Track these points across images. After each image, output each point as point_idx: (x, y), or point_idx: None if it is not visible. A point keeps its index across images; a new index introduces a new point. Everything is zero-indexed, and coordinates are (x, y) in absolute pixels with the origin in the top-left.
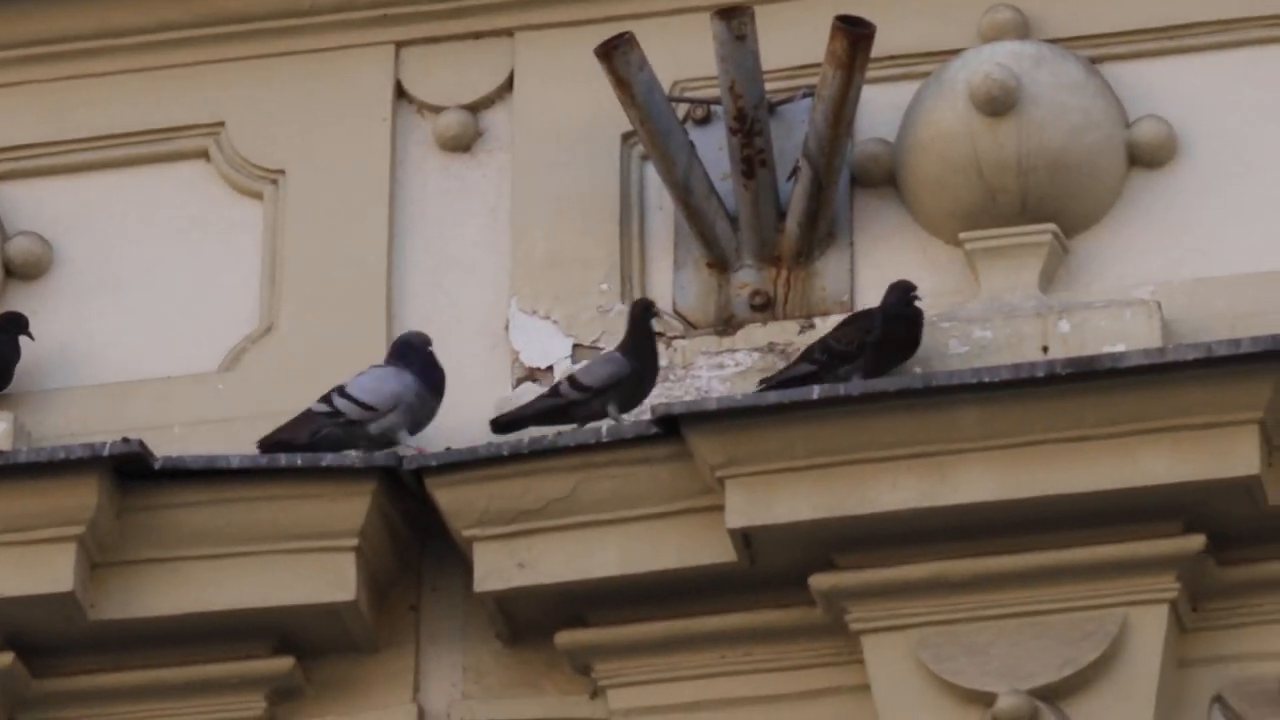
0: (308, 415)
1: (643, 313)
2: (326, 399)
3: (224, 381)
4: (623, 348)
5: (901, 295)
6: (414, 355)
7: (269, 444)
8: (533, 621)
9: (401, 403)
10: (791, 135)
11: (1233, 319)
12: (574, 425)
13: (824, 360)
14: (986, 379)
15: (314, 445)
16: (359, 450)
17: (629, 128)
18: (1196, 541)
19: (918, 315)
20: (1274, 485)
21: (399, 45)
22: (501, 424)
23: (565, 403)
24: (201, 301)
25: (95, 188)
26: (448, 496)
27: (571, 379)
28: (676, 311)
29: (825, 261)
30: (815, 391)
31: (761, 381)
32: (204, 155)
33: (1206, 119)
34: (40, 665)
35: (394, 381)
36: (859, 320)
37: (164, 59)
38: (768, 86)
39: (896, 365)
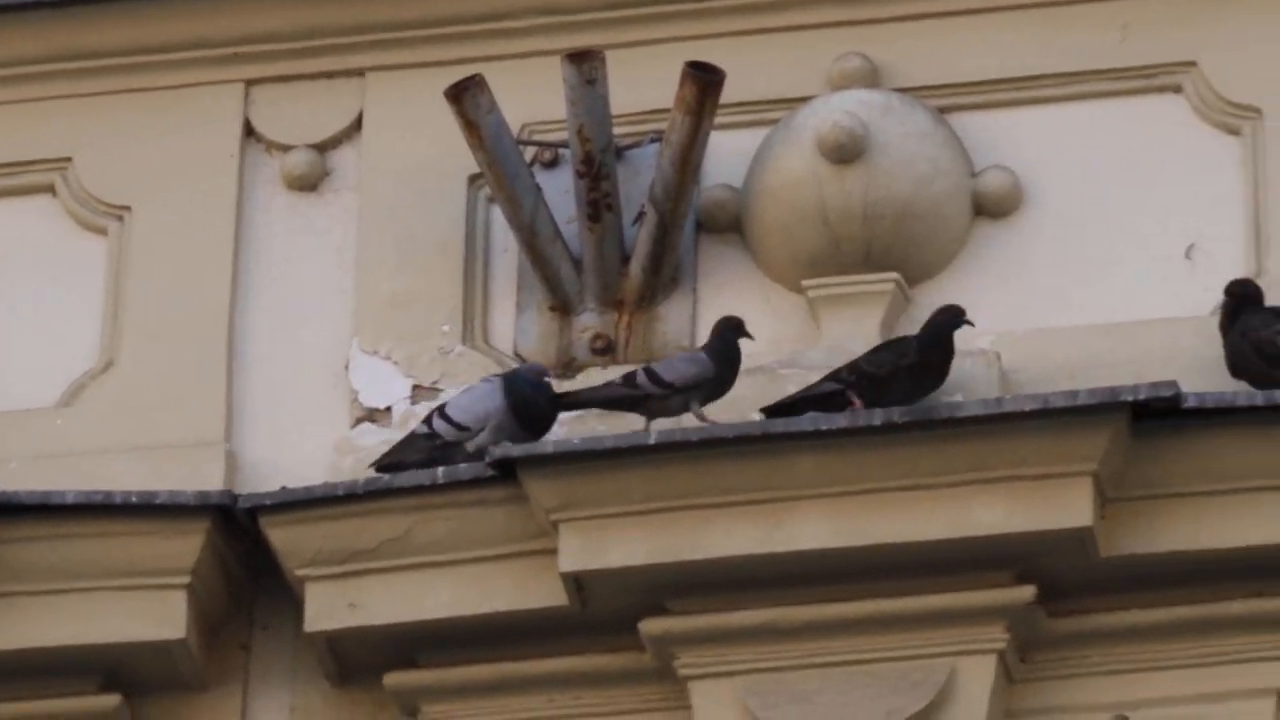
0: (411, 437)
1: (733, 332)
2: (427, 420)
3: (62, 417)
4: (707, 349)
5: (951, 319)
6: (520, 383)
7: (383, 467)
8: (363, 662)
9: (490, 422)
10: (638, 180)
11: (1072, 371)
12: (643, 419)
13: (851, 381)
14: (824, 426)
15: (428, 464)
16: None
17: (476, 170)
18: (1027, 592)
19: (951, 345)
20: (1106, 537)
21: (249, 83)
22: (563, 404)
23: (640, 395)
24: (43, 336)
25: None
26: (281, 535)
27: (650, 373)
28: (518, 354)
29: (668, 307)
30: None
31: (774, 404)
32: (50, 190)
33: (1052, 170)
34: None
35: (487, 401)
36: (895, 345)
37: (13, 93)
38: (616, 131)
39: (927, 394)
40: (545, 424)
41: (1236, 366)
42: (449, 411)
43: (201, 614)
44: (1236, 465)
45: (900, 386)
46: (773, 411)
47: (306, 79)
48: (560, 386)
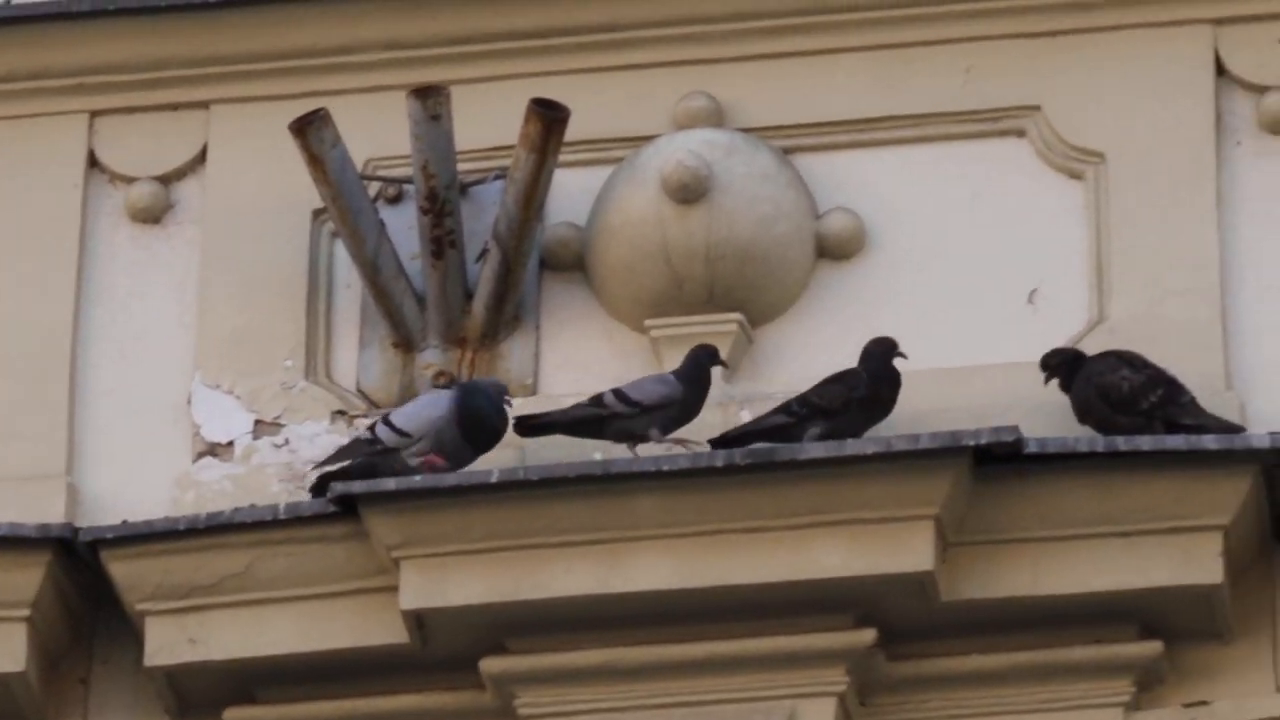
0: (355, 442)
1: (708, 359)
2: (371, 426)
3: None
4: (677, 372)
5: (887, 351)
6: (473, 397)
7: (324, 473)
8: (203, 697)
9: (432, 430)
10: (482, 217)
11: (914, 415)
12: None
13: (801, 414)
14: (665, 467)
15: (368, 471)
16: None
17: (320, 204)
18: (867, 636)
19: (898, 376)
20: (947, 581)
21: (93, 114)
22: (529, 426)
23: (606, 414)
24: None
25: None
26: (122, 569)
27: (618, 393)
28: (360, 390)
29: (510, 344)
30: (494, 475)
31: (721, 436)
32: None
33: (895, 213)
34: None
35: (432, 409)
36: (845, 378)
37: None
38: (461, 167)
39: (873, 425)
40: (491, 441)
41: (1083, 413)
42: (393, 418)
43: (41, 647)
44: (1077, 511)
45: (851, 419)
46: (719, 443)
47: (151, 110)
48: None
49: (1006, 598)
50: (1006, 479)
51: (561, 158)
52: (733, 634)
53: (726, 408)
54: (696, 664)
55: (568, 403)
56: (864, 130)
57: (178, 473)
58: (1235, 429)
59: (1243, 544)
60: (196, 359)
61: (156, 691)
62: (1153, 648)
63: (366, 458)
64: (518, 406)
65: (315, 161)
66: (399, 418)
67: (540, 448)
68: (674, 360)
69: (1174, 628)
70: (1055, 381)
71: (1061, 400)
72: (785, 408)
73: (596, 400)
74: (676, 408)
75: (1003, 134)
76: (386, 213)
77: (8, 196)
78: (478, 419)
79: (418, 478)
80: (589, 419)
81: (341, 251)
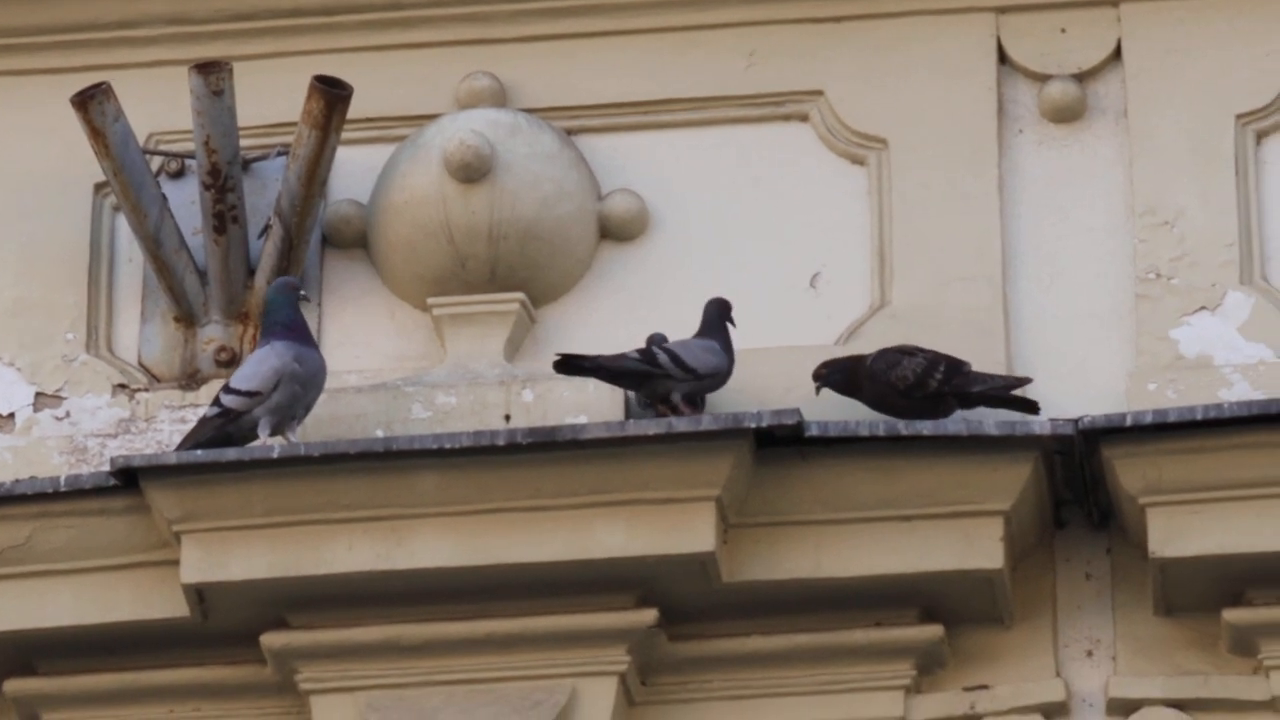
0: (202, 421)
1: (723, 312)
2: (215, 401)
3: None
4: (716, 338)
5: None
6: (281, 313)
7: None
8: None
9: (284, 376)
10: (265, 192)
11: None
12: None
13: (674, 372)
14: (447, 445)
15: (224, 442)
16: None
17: (102, 178)
18: (648, 616)
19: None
20: (728, 563)
21: None
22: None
23: (658, 373)
24: None
25: None
26: None
27: (672, 355)
28: (141, 364)
29: None
30: (275, 450)
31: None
32: None
33: (678, 195)
34: None
35: (270, 358)
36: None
37: None
38: (243, 143)
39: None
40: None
41: (878, 407)
42: (234, 383)
43: None
44: (859, 494)
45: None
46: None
47: None
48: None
49: (788, 579)
50: (788, 461)
51: (344, 135)
52: (514, 612)
53: (509, 386)
54: (478, 641)
55: (350, 380)
56: (647, 112)
57: None
58: (1022, 381)
59: (1023, 529)
60: None
61: None
62: (933, 631)
63: (219, 430)
64: (553, 376)
65: (97, 135)
66: (240, 381)
67: (321, 422)
68: (456, 339)
69: (955, 612)
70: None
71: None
72: (649, 357)
73: (649, 357)
74: (720, 378)
75: (786, 118)
76: (169, 187)
77: None
78: (302, 328)
79: (199, 451)
80: (636, 373)
81: (123, 225)
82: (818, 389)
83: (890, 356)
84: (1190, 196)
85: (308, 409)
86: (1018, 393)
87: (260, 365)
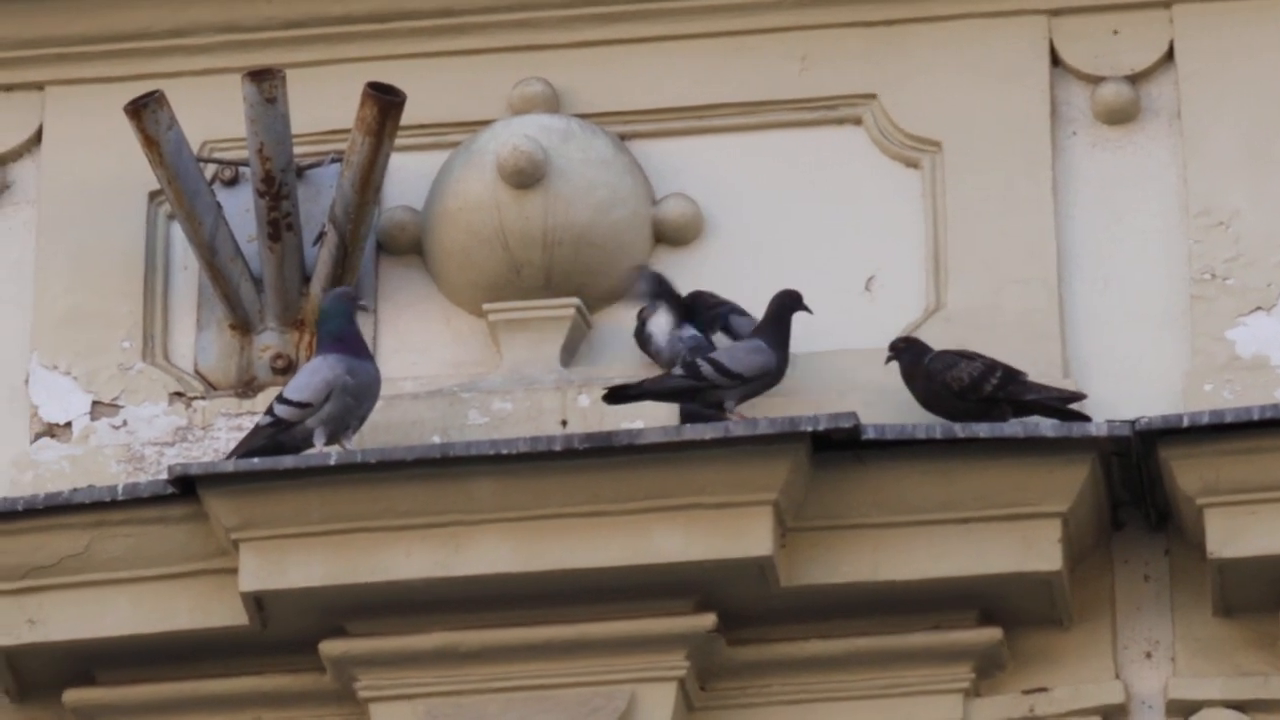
0: (255, 429)
1: (792, 304)
2: (268, 410)
3: None
4: (764, 335)
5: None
6: (334, 324)
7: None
8: (42, 679)
9: (335, 388)
10: (319, 200)
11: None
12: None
13: (718, 381)
14: (504, 450)
15: (276, 450)
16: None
17: (156, 186)
18: (707, 620)
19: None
20: (786, 567)
21: None
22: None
23: (705, 385)
24: None
25: None
26: None
27: (715, 363)
28: (198, 372)
29: None
30: (332, 457)
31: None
32: None
33: (732, 199)
34: None
35: (323, 370)
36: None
37: None
38: (297, 150)
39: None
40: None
41: (930, 406)
42: (287, 393)
43: None
44: (915, 497)
45: (762, 386)
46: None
47: None
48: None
49: (846, 583)
50: (845, 465)
51: (398, 141)
52: (572, 618)
53: (565, 392)
54: (536, 648)
55: (407, 387)
56: (701, 117)
57: (15, 453)
58: (1077, 396)
59: (1081, 531)
60: (33, 340)
61: None
62: (992, 634)
63: (271, 439)
64: (609, 380)
65: (151, 143)
66: (292, 391)
67: (378, 429)
68: (512, 345)
69: (1013, 614)
70: (895, 365)
71: (899, 386)
72: (693, 370)
73: (693, 370)
74: (771, 376)
75: (839, 122)
76: (223, 195)
77: None
78: (356, 339)
79: (256, 460)
80: (684, 389)
81: (178, 233)
82: (888, 359)
83: (948, 358)
84: (1244, 197)
85: (362, 419)
86: (1072, 406)
87: (313, 377)
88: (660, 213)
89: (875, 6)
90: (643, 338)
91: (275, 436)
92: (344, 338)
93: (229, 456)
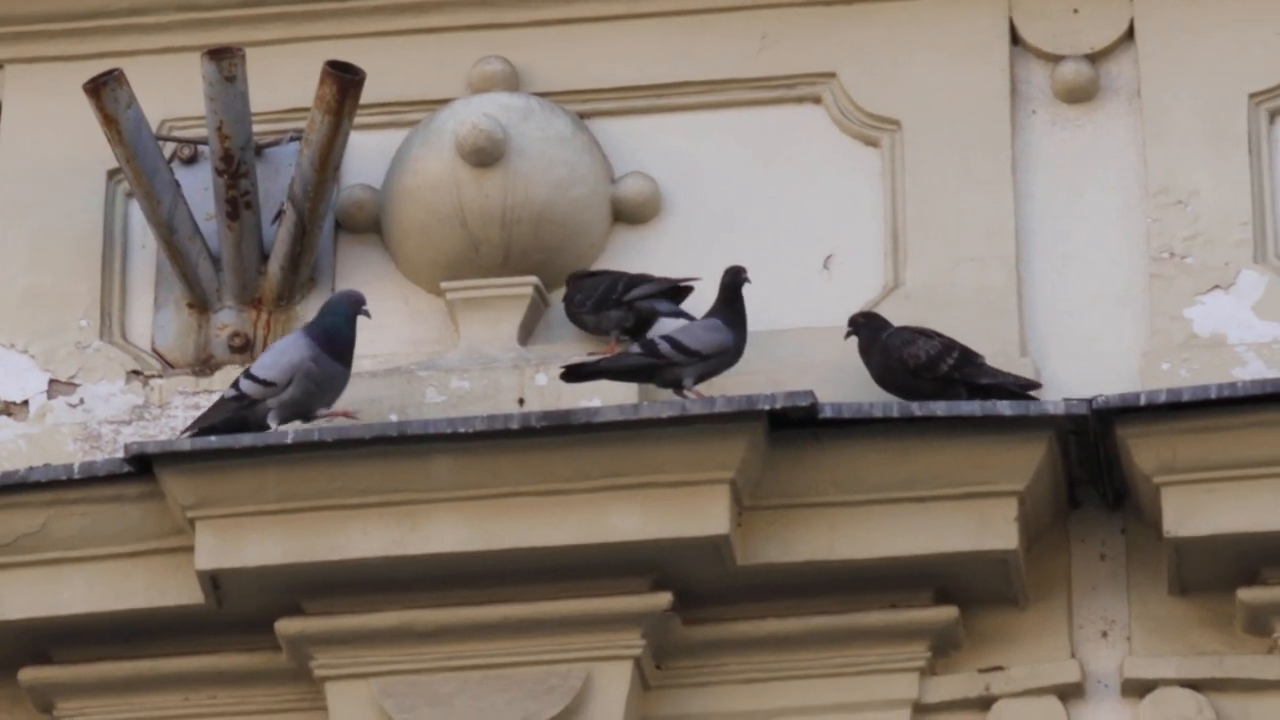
0: (220, 401)
1: (735, 278)
2: (235, 383)
3: None
4: (721, 316)
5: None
6: (326, 319)
7: (197, 432)
8: None
9: (298, 372)
10: (278, 178)
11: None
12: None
13: (675, 359)
14: (461, 429)
15: (238, 425)
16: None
17: (115, 165)
18: (663, 599)
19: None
20: (743, 545)
21: None
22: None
23: (663, 363)
24: None
25: None
26: None
27: (673, 341)
28: (155, 350)
29: (306, 305)
30: (289, 435)
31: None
32: None
33: (691, 178)
34: None
35: (291, 352)
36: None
37: None
38: (256, 129)
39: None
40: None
41: (883, 382)
42: (254, 370)
43: None
44: (872, 476)
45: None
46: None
47: None
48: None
49: (802, 562)
50: (802, 443)
51: (357, 120)
52: (529, 597)
53: (523, 370)
54: (492, 626)
55: (364, 365)
56: (660, 95)
57: None
58: (1032, 384)
59: (1037, 510)
60: None
61: None
62: (948, 613)
63: (234, 414)
64: (565, 354)
65: (110, 122)
66: (259, 368)
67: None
68: (470, 324)
69: (969, 593)
70: (852, 345)
71: (857, 365)
72: (650, 348)
73: (650, 348)
74: (729, 354)
75: (799, 100)
76: (182, 173)
77: None
78: (336, 337)
79: (213, 438)
80: (642, 367)
81: (137, 212)
82: (847, 334)
83: (906, 334)
84: (1203, 176)
85: (316, 414)
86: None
87: (279, 357)
88: (619, 191)
89: None
90: (573, 306)
91: (238, 412)
92: (329, 333)
93: (189, 428)
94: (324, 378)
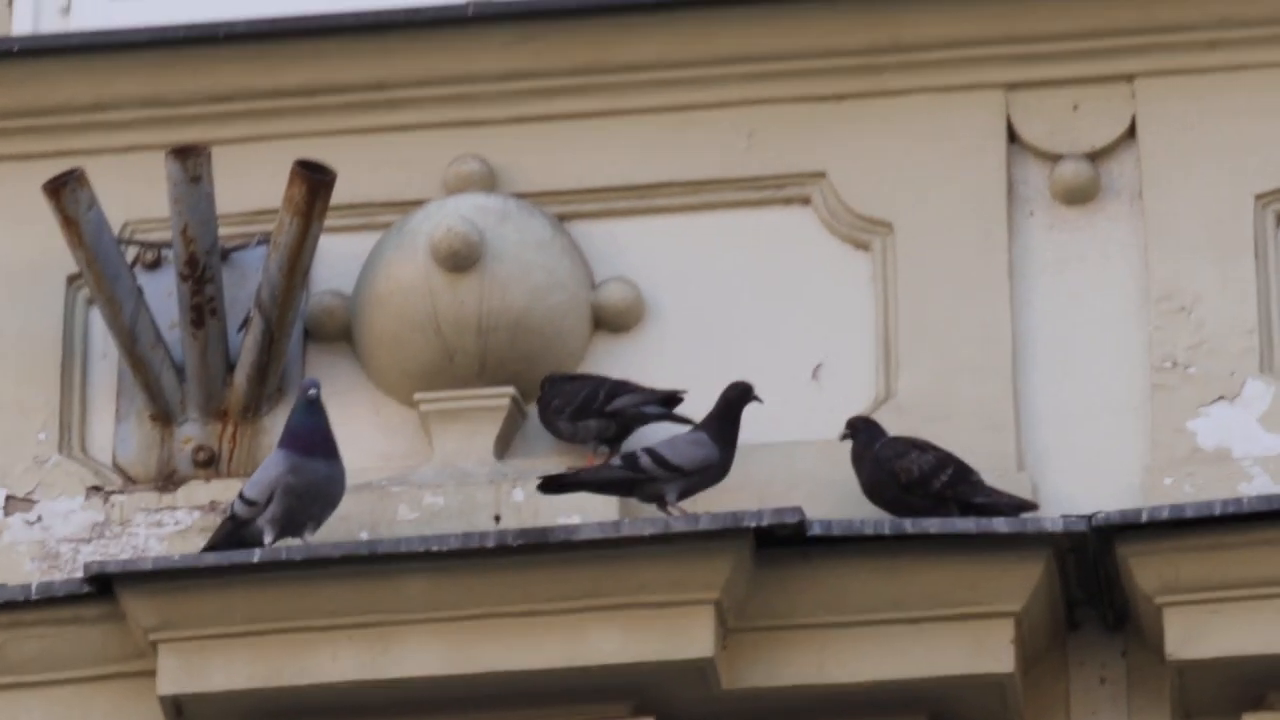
0: (222, 523)
1: (741, 397)
2: (230, 505)
3: None
4: (709, 430)
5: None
6: (293, 419)
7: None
8: None
9: (277, 488)
10: (245, 284)
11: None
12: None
13: (657, 473)
14: (435, 547)
15: (236, 545)
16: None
17: (76, 269)
18: None
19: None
20: (728, 669)
21: None
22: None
23: (643, 478)
24: None
25: None
26: None
27: (654, 455)
28: (116, 465)
29: (274, 417)
30: (256, 555)
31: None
32: None
33: (675, 283)
34: None
35: (271, 468)
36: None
37: None
38: (222, 231)
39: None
40: (332, 445)
41: (872, 494)
42: (244, 490)
43: None
44: (863, 595)
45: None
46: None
47: None
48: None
49: (791, 686)
50: (790, 562)
51: (327, 222)
52: None
53: (499, 485)
54: None
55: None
56: (642, 197)
57: None
58: (1028, 505)
59: (1035, 631)
60: None
61: None
62: None
63: (231, 534)
64: (543, 468)
65: (70, 224)
66: (247, 487)
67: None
68: (445, 437)
69: (965, 717)
70: (842, 459)
71: (847, 480)
72: (631, 462)
73: (631, 461)
74: (714, 471)
75: (787, 202)
76: (144, 279)
77: None
78: (310, 435)
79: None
80: (620, 481)
81: (97, 318)
82: (843, 436)
83: (899, 445)
84: (1208, 281)
85: (318, 519)
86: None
87: (263, 474)
88: (600, 297)
89: (825, 80)
90: (549, 413)
91: (236, 533)
92: (298, 433)
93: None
94: (307, 486)
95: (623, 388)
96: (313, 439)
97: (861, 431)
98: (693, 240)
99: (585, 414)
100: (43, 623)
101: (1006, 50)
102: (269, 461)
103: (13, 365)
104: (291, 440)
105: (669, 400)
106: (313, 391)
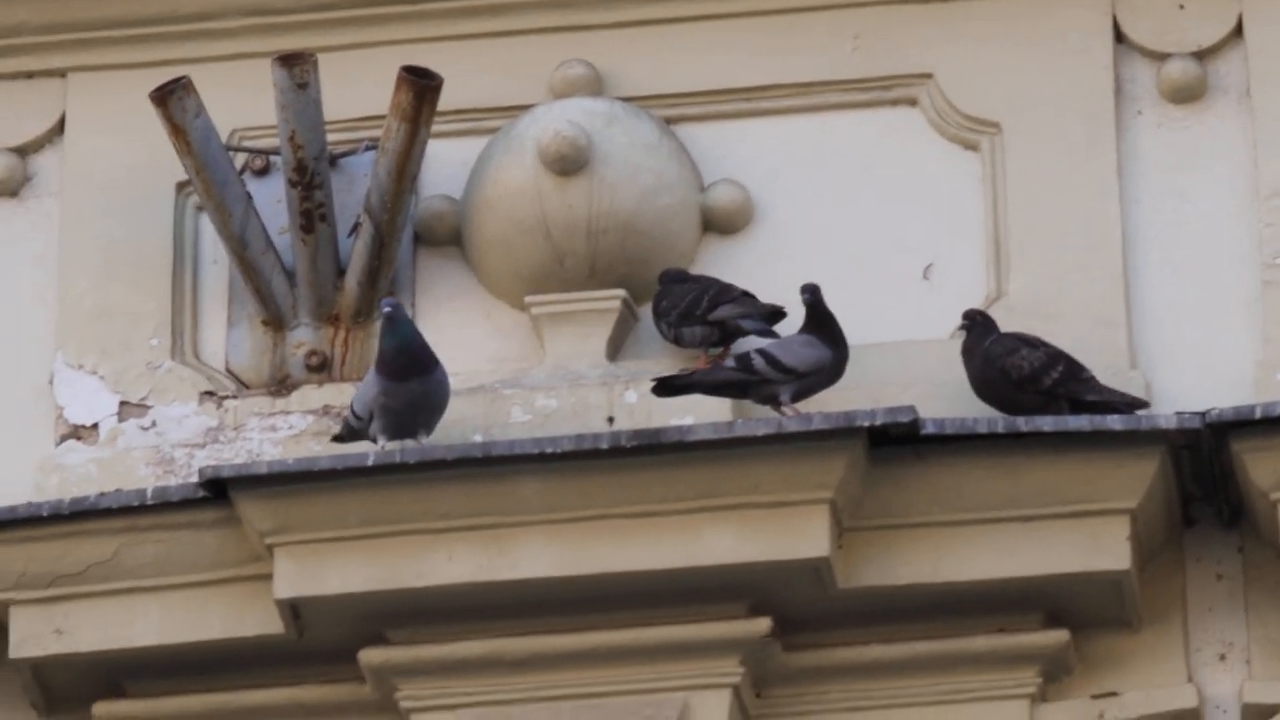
0: (344, 422)
1: (813, 297)
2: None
3: None
4: (813, 331)
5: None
6: (383, 341)
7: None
8: (70, 691)
9: (375, 408)
10: (354, 189)
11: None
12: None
13: (770, 375)
14: (548, 449)
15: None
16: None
17: (184, 176)
18: (762, 625)
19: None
20: (843, 568)
21: None
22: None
23: (756, 380)
24: None
25: None
26: None
27: (768, 356)
28: (229, 370)
29: None
30: (370, 458)
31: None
32: None
33: (783, 185)
34: None
35: (368, 387)
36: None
37: None
38: (330, 138)
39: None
40: (406, 362)
41: (982, 391)
42: (353, 402)
43: None
44: (977, 494)
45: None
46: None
47: (5, 79)
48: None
49: (906, 585)
50: (904, 461)
51: (435, 128)
52: (621, 623)
53: (611, 387)
54: (584, 655)
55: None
56: (749, 99)
57: (40, 457)
58: (1140, 404)
59: (1150, 528)
60: (58, 338)
61: (22, 685)
62: (1059, 637)
63: (352, 434)
64: (656, 370)
65: (178, 132)
66: (355, 402)
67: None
68: (556, 339)
69: (1081, 616)
70: (955, 358)
71: (960, 379)
72: (745, 363)
73: (744, 363)
74: (827, 373)
75: (894, 103)
76: (253, 185)
77: None
78: (398, 357)
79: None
80: (734, 382)
81: (207, 226)
82: (961, 327)
83: (1010, 341)
84: None
85: (428, 425)
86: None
87: (364, 392)
88: (708, 200)
89: None
90: (658, 315)
91: (357, 437)
92: (384, 356)
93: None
94: (404, 405)
95: (727, 294)
96: (398, 360)
97: (978, 325)
98: (800, 142)
99: (689, 320)
100: (158, 527)
101: None
102: (366, 381)
103: (124, 272)
104: (380, 363)
105: (772, 316)
106: (387, 309)
